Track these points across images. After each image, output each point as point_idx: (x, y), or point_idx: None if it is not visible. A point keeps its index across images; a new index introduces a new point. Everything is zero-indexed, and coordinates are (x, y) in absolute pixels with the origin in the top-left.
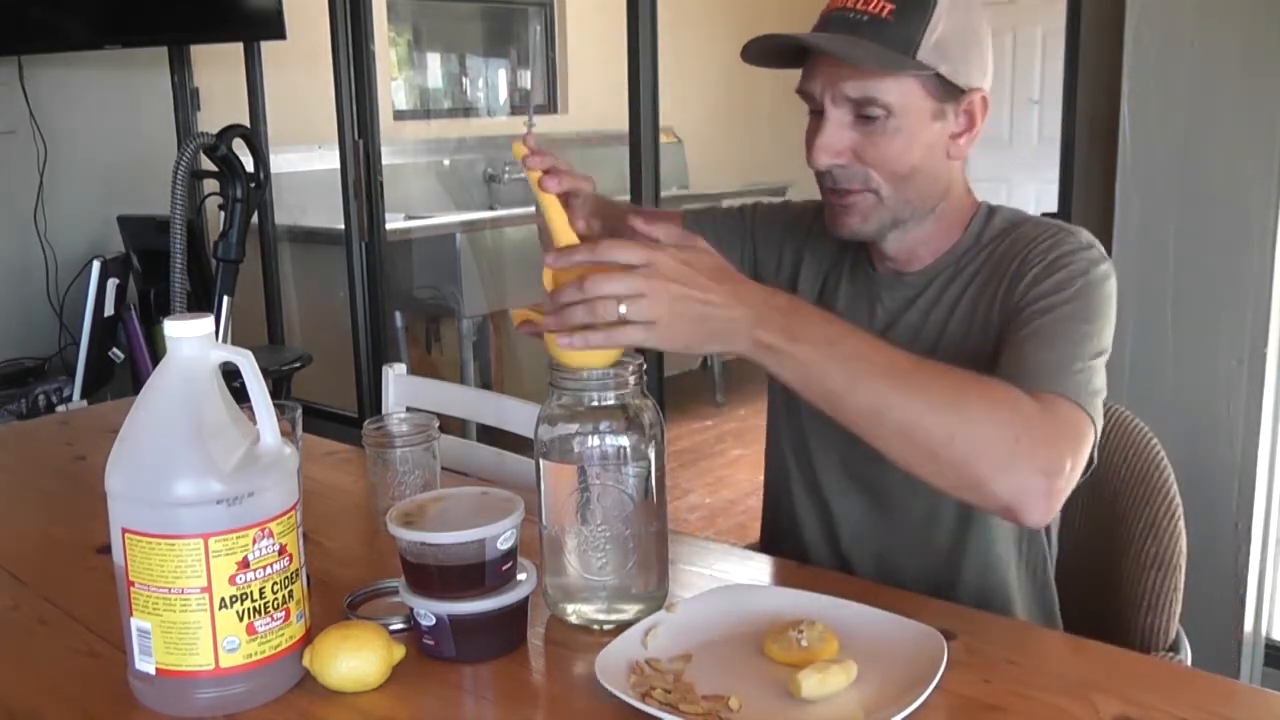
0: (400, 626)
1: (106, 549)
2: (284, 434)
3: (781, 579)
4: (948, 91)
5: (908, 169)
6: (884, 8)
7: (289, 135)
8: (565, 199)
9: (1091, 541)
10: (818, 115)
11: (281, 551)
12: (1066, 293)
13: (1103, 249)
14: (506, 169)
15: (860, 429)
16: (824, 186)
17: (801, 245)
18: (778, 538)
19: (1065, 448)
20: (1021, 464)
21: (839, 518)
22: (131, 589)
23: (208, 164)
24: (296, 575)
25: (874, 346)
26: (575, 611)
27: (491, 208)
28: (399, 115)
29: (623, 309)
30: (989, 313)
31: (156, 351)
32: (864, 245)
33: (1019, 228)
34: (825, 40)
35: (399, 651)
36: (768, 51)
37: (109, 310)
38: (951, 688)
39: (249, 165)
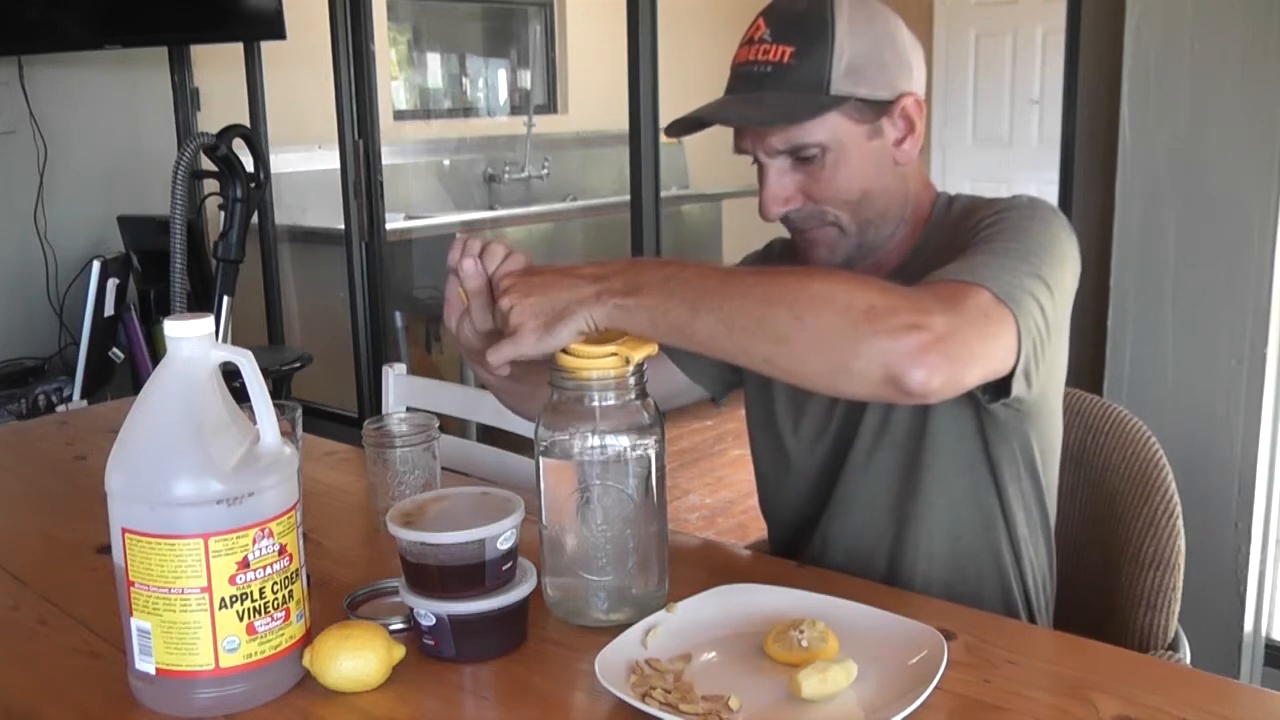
0: (400, 626)
1: (106, 549)
2: (284, 434)
3: (781, 579)
4: (876, 109)
5: (859, 194)
6: (784, 53)
7: (289, 135)
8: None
9: (1090, 541)
10: (760, 165)
11: (281, 551)
12: (994, 228)
13: (1053, 206)
14: (506, 169)
15: (718, 349)
16: (789, 229)
17: None
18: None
19: (936, 307)
20: (882, 325)
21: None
22: (131, 589)
23: (208, 164)
24: (296, 575)
25: (710, 270)
26: (575, 611)
27: (491, 208)
28: (399, 115)
29: (512, 322)
30: None
31: (156, 351)
32: None
33: (975, 211)
34: (726, 111)
35: (399, 651)
36: (689, 126)
37: (109, 310)
38: (951, 688)
39: (249, 165)
